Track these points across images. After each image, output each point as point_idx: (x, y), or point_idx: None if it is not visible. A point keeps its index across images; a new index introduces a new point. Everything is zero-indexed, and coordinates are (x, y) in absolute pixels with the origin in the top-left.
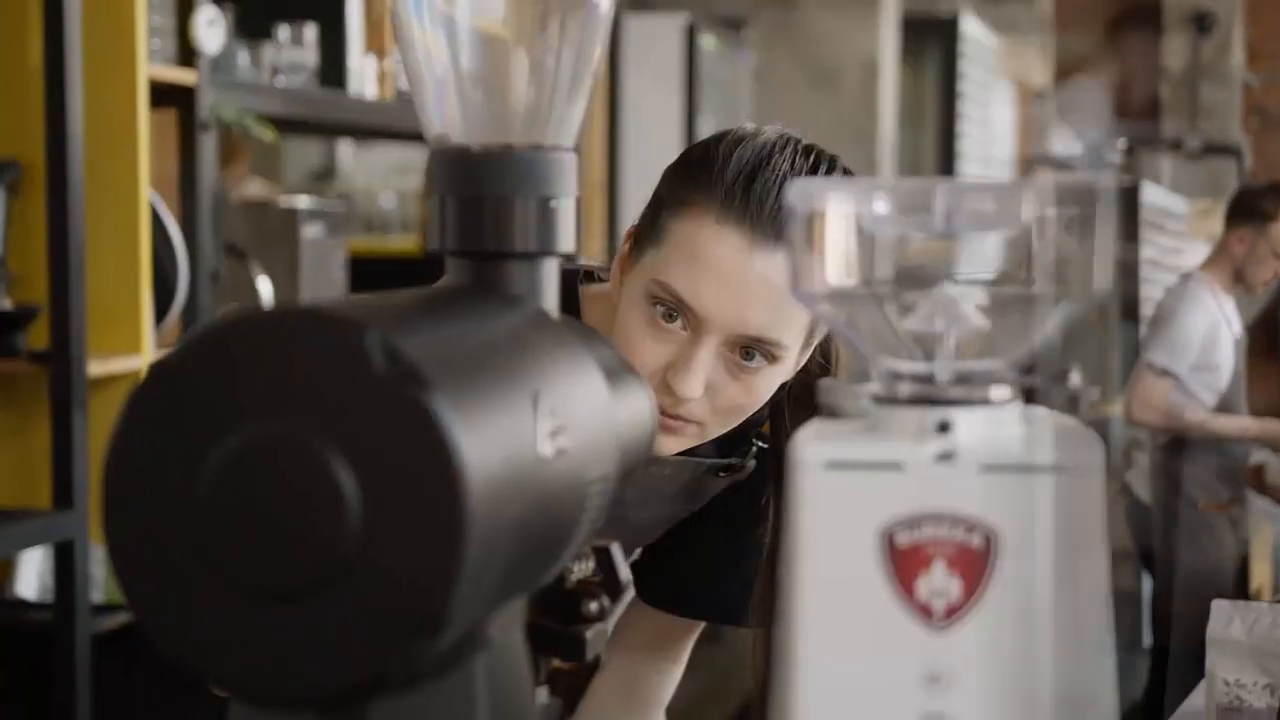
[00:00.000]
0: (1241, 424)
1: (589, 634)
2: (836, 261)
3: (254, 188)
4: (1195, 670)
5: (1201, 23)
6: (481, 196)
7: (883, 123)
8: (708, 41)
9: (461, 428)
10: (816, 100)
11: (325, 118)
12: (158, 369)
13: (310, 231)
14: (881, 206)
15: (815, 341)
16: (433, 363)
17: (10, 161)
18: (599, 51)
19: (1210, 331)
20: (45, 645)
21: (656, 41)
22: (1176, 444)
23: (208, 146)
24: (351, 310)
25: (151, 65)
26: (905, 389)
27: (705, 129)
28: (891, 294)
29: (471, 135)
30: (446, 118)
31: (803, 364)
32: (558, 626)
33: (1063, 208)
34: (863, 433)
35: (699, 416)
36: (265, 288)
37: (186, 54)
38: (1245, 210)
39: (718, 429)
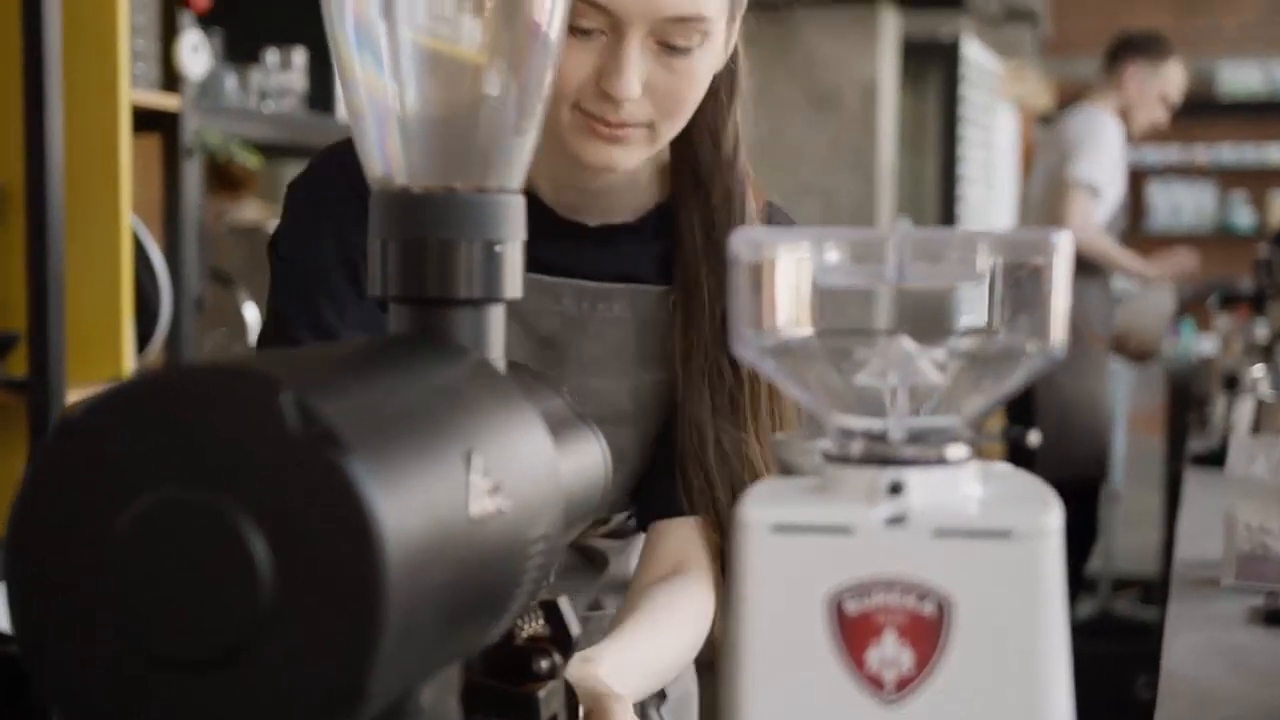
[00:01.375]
0: (1144, 265)
1: (541, 694)
2: (784, 313)
3: (249, 211)
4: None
5: None
6: (424, 240)
7: (882, 147)
8: None
9: (380, 491)
10: (816, 124)
11: (313, 143)
12: (67, 424)
13: None
14: (832, 256)
15: (740, 12)
16: (352, 422)
17: None
18: (546, 90)
19: (1118, 155)
20: (19, 677)
21: None
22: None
23: (192, 172)
24: (268, 368)
25: (135, 90)
26: (857, 447)
27: None
28: (842, 347)
29: (415, 177)
30: (389, 158)
31: (733, 43)
32: (507, 687)
33: (1016, 260)
34: (812, 493)
35: (644, 117)
36: (251, 314)
37: (171, 79)
38: (1136, 49)
39: (668, 129)
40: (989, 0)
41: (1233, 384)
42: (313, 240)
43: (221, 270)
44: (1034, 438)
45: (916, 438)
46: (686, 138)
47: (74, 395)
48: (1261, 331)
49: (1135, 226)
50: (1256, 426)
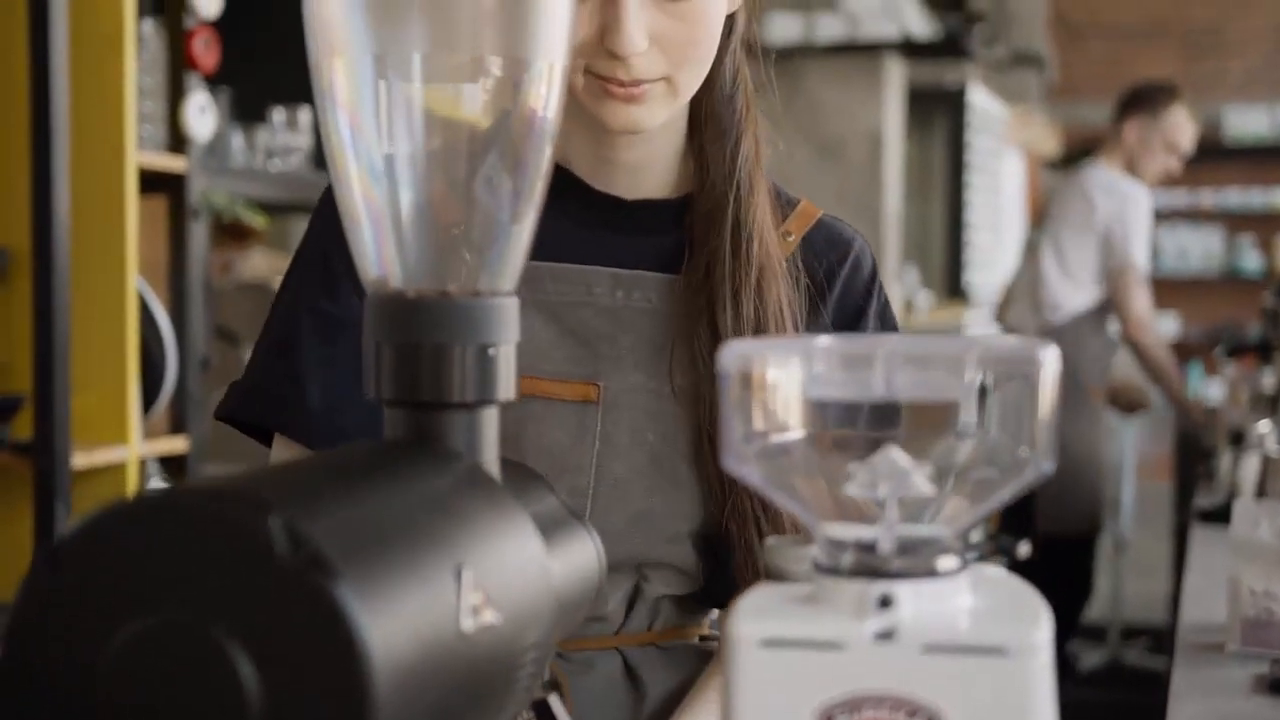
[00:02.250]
0: (1180, 390)
1: None
2: (773, 424)
3: (257, 261)
4: (1056, 560)
5: None
6: (418, 345)
7: (888, 195)
8: None
9: (369, 615)
10: (822, 173)
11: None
12: (57, 550)
13: None
14: (820, 369)
15: None
16: (341, 545)
17: None
18: (540, 193)
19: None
20: None
21: None
22: (1073, 329)
23: (198, 233)
24: (257, 488)
25: (142, 152)
26: (847, 559)
27: None
28: (831, 459)
29: (409, 280)
30: (384, 261)
31: None
32: None
33: (1005, 372)
34: (802, 605)
35: (659, 71)
36: None
37: (178, 140)
38: (1137, 101)
39: (687, 79)
40: (995, 47)
41: (1239, 439)
42: (330, 242)
43: (227, 328)
44: (1024, 549)
45: (906, 548)
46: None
47: (79, 458)
48: (1269, 380)
49: None
50: (1263, 482)
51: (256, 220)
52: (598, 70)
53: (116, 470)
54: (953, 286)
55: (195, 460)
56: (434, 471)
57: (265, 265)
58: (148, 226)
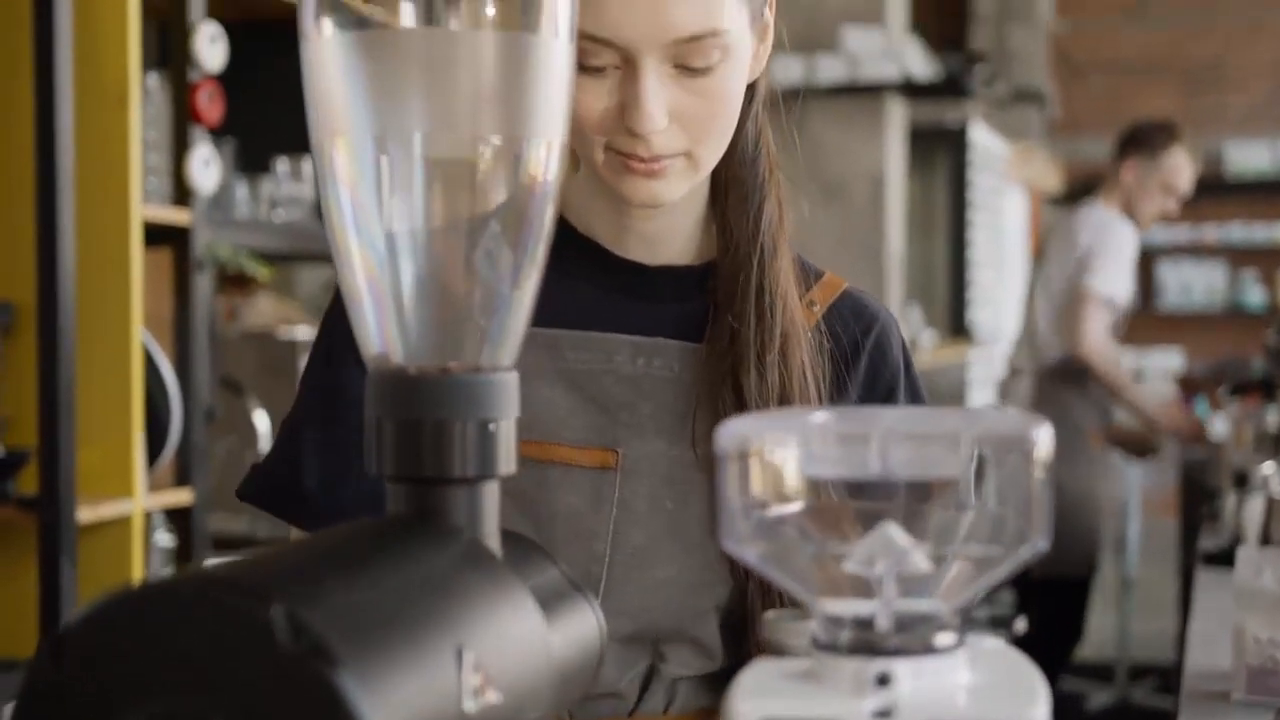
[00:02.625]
0: (1150, 405)
1: None
2: (769, 501)
3: (264, 305)
4: (1049, 601)
5: None
6: (420, 421)
7: (890, 235)
8: None
9: (372, 703)
10: (824, 215)
11: (323, 250)
12: (61, 638)
13: None
14: (817, 448)
15: (768, 10)
16: (342, 631)
17: (2, 304)
18: (540, 266)
19: (1132, 263)
20: None
21: None
22: (1063, 372)
23: (202, 285)
24: (258, 576)
25: (147, 206)
26: (845, 636)
27: None
28: (829, 536)
29: (411, 356)
30: (385, 338)
31: (768, 46)
32: None
33: (999, 452)
34: (801, 682)
35: (679, 147)
36: (262, 422)
37: (182, 193)
38: (1135, 142)
39: (708, 153)
40: (996, 84)
41: (1243, 481)
42: (336, 318)
43: (232, 378)
44: (1020, 625)
45: (904, 624)
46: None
47: (84, 512)
48: (1273, 419)
49: (1146, 305)
50: (1268, 525)
51: (260, 272)
52: (618, 146)
53: (122, 524)
54: (956, 325)
55: (200, 511)
56: (435, 549)
57: (271, 310)
58: (152, 279)
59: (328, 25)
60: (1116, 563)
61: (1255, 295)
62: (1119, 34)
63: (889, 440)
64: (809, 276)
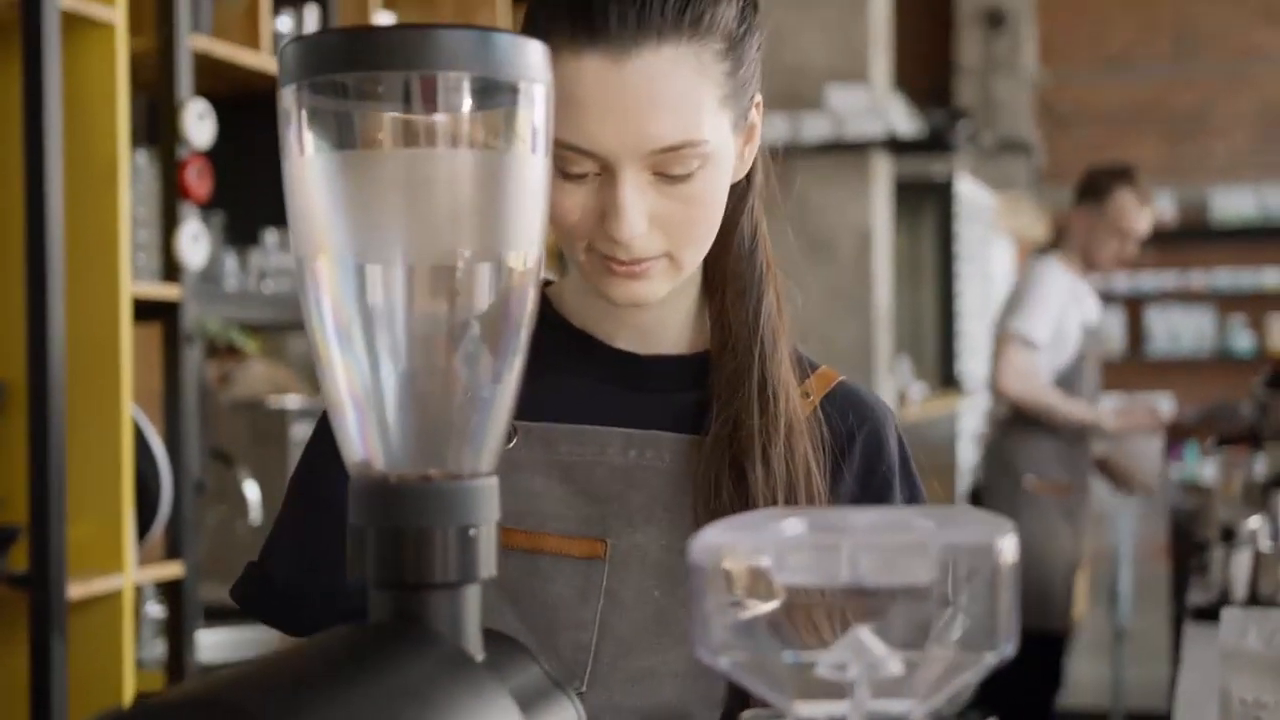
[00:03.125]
0: (1083, 410)
1: None
2: (743, 610)
3: (257, 370)
4: (1022, 653)
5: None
6: (401, 529)
7: (878, 289)
8: None
9: None
10: (812, 270)
11: None
12: None
13: (300, 431)
14: (789, 558)
15: (751, 114)
16: None
17: None
18: (516, 375)
19: (1063, 308)
20: None
21: None
22: (1012, 423)
23: (192, 359)
24: (237, 696)
25: (136, 282)
26: None
27: None
28: (801, 641)
29: (392, 464)
30: (368, 447)
31: (754, 147)
32: None
33: (963, 563)
34: None
35: (659, 249)
36: (253, 492)
37: (171, 268)
38: (1085, 189)
39: (691, 256)
40: (980, 139)
41: (1229, 535)
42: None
43: (222, 449)
44: None
45: None
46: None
47: (75, 588)
48: (1260, 469)
49: (1136, 352)
50: (1255, 580)
51: (249, 345)
52: (599, 248)
53: (113, 599)
54: (946, 375)
55: (190, 585)
56: (416, 657)
57: (264, 375)
58: (142, 354)
59: (310, 144)
60: (1109, 611)
61: (1244, 340)
62: (1103, 84)
63: (859, 549)
64: (804, 368)
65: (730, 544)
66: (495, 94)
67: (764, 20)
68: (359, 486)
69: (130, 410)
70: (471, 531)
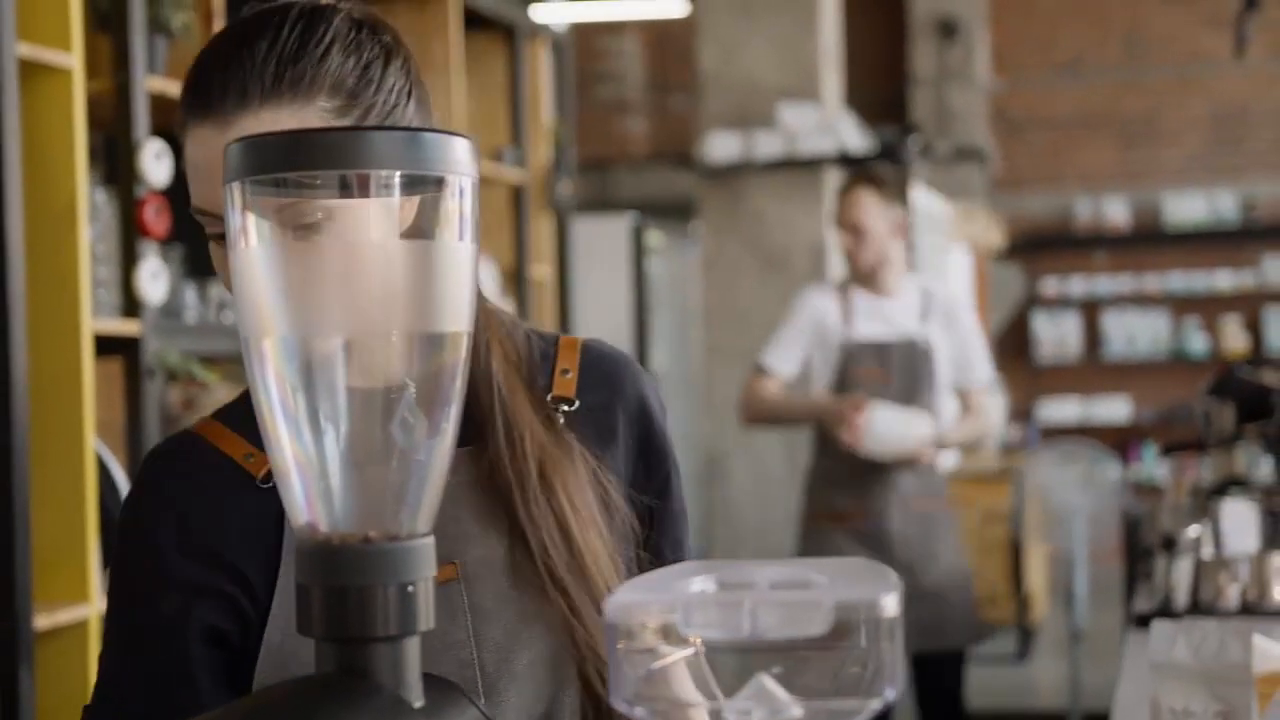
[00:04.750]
0: (817, 401)
1: None
2: (653, 663)
3: (220, 395)
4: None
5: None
6: (345, 588)
7: None
8: (654, 237)
9: None
10: (766, 285)
11: None
12: None
13: None
14: (695, 615)
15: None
16: None
17: None
18: (450, 441)
19: (816, 331)
20: None
21: (606, 239)
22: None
23: (153, 392)
24: None
25: (97, 319)
26: None
27: (656, 319)
28: (709, 690)
29: (335, 526)
30: (312, 510)
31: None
32: None
33: (851, 617)
34: None
35: None
36: None
37: (131, 304)
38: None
39: None
40: (933, 149)
41: (1170, 544)
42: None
43: None
44: None
45: None
46: None
47: (40, 619)
48: (1207, 474)
49: (1092, 356)
50: (1196, 588)
51: (209, 378)
52: None
53: (78, 629)
54: None
55: None
56: (358, 708)
57: (228, 399)
58: (103, 389)
59: (253, 236)
60: (1065, 612)
61: (1198, 342)
62: (1055, 90)
63: (759, 605)
64: (547, 345)
65: (641, 603)
66: (424, 187)
67: (414, 67)
68: (304, 548)
69: (93, 443)
70: (410, 588)
